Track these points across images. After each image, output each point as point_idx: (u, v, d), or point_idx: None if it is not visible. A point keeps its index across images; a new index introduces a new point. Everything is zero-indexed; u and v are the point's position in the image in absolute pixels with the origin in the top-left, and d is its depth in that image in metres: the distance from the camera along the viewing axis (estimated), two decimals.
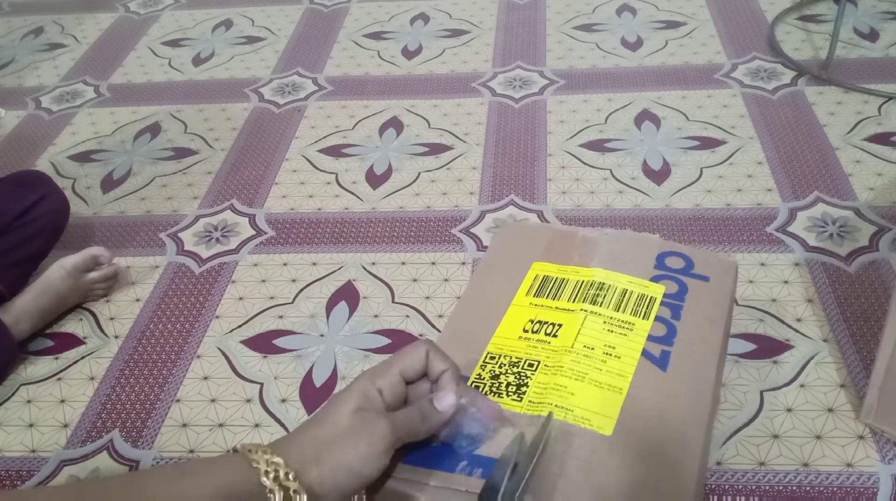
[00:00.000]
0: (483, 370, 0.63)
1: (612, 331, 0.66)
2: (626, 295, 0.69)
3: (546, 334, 0.66)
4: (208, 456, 0.48)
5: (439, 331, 1.07)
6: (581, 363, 0.62)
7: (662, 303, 0.69)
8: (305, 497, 0.45)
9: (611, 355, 0.64)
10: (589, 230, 0.77)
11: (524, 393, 0.60)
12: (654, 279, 0.71)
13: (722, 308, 0.70)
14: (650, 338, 0.65)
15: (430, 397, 0.53)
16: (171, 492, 0.44)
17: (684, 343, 0.65)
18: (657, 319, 0.67)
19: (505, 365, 0.63)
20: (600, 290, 0.69)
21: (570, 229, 0.78)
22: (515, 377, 0.62)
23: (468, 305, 0.73)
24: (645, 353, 0.64)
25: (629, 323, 0.67)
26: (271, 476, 0.45)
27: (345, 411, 0.49)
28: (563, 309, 0.68)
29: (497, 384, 0.61)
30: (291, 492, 0.45)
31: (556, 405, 0.59)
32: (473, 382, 0.62)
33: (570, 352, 0.63)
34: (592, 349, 0.64)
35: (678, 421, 0.59)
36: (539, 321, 0.67)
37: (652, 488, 0.54)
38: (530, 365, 0.63)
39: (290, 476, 0.45)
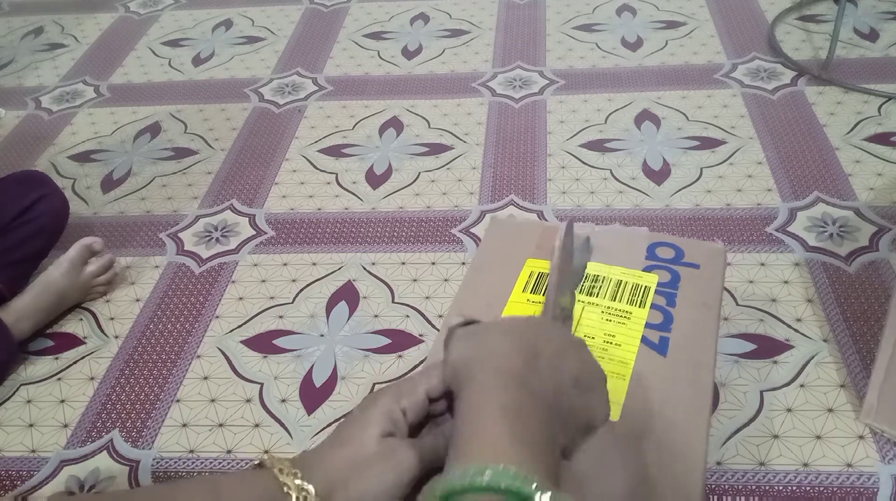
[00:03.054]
0: None
1: (610, 320, 0.67)
2: (621, 285, 0.71)
3: None
4: (237, 472, 0.48)
5: (439, 331, 1.07)
6: None
7: (657, 292, 0.70)
8: None
9: (611, 343, 0.65)
10: (579, 226, 0.78)
11: None
12: (647, 270, 0.73)
13: (714, 294, 0.72)
14: (648, 325, 0.67)
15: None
16: None
17: (682, 329, 0.67)
18: (653, 307, 0.69)
19: None
20: (595, 282, 0.71)
21: (560, 226, 0.79)
22: None
23: (464, 303, 0.73)
24: (644, 340, 0.65)
25: (626, 312, 0.68)
26: None
27: (372, 434, 0.48)
28: None
29: None
30: None
31: None
32: None
33: None
34: (593, 338, 0.65)
35: (682, 404, 0.61)
36: None
37: (663, 469, 0.55)
38: None
39: None
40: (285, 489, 0.45)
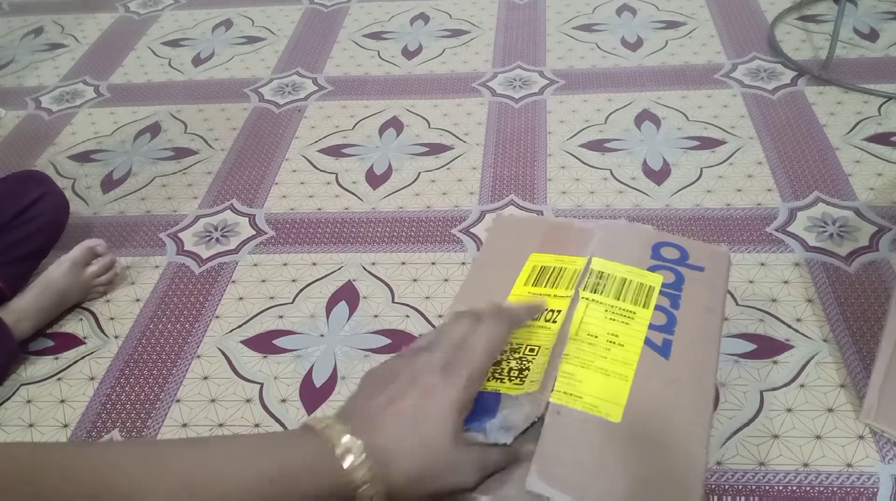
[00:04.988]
0: None
1: (613, 319, 0.66)
2: (626, 284, 0.70)
3: (546, 320, 0.66)
4: (283, 449, 0.43)
5: None
6: (586, 351, 0.63)
7: (661, 292, 0.69)
8: None
9: (614, 343, 0.64)
10: (585, 222, 0.78)
11: (525, 377, 0.61)
12: (651, 269, 0.72)
13: (718, 298, 0.71)
14: (651, 327, 0.66)
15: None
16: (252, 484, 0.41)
17: (685, 332, 0.66)
18: (657, 308, 0.68)
19: (506, 351, 0.64)
20: (600, 279, 0.70)
21: (565, 221, 0.79)
22: (517, 362, 0.62)
23: (467, 296, 0.73)
24: (647, 341, 0.65)
25: (630, 312, 0.67)
26: None
27: (447, 433, 0.47)
28: (562, 296, 0.68)
29: (499, 370, 0.62)
30: None
31: (564, 392, 0.59)
32: None
33: (574, 340, 0.64)
34: (596, 336, 0.65)
35: (684, 409, 0.60)
36: None
37: (663, 473, 0.55)
38: (531, 350, 0.63)
39: None
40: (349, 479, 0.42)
